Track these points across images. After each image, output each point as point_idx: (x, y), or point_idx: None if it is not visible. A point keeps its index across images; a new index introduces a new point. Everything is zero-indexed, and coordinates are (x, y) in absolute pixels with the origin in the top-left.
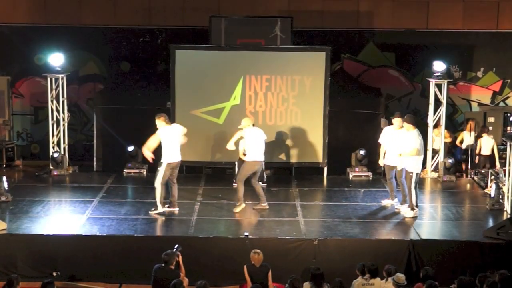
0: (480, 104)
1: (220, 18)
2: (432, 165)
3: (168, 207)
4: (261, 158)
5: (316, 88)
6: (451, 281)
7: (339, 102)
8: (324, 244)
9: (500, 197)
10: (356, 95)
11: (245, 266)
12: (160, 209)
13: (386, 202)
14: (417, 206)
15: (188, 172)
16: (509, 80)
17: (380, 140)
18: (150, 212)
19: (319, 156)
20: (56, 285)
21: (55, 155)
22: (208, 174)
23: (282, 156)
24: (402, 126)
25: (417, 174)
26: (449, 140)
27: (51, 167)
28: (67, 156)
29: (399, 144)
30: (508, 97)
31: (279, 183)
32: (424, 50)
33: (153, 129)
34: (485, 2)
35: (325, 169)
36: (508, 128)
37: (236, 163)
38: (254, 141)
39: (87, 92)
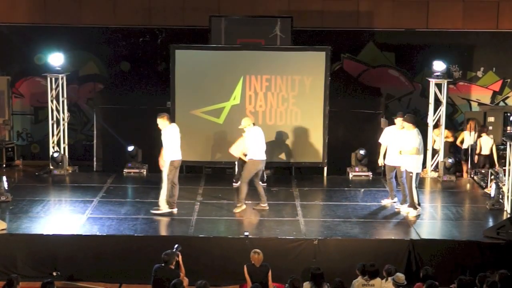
0: (480, 104)
1: (220, 18)
2: (432, 165)
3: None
4: (264, 157)
5: (316, 88)
6: (451, 281)
7: (339, 102)
8: (324, 244)
9: (500, 197)
10: (356, 95)
11: (245, 266)
12: (166, 209)
13: (386, 202)
14: (419, 204)
15: (188, 172)
16: (509, 80)
17: (380, 140)
18: (152, 211)
19: (319, 156)
20: (56, 285)
21: (55, 155)
22: (208, 174)
23: (282, 156)
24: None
25: (417, 174)
26: (451, 139)
27: (51, 167)
28: (67, 156)
29: (400, 144)
30: (508, 97)
31: (279, 183)
32: (424, 50)
33: (153, 129)
34: (485, 2)
35: (325, 169)
36: (508, 128)
37: (236, 163)
38: (256, 140)
39: (87, 92)
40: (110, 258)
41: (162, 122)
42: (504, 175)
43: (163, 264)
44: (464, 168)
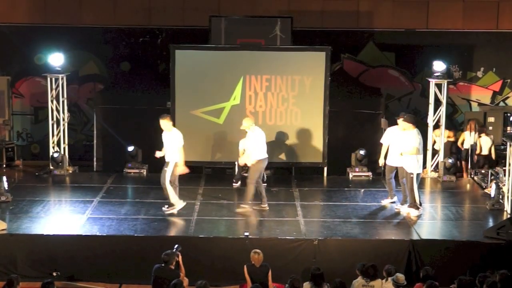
0: (480, 104)
1: (220, 18)
2: (432, 165)
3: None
4: (266, 155)
5: (316, 88)
6: (451, 281)
7: (339, 102)
8: (324, 244)
9: (500, 197)
10: (356, 95)
11: (245, 266)
12: (180, 204)
13: (386, 202)
14: (420, 204)
15: (188, 172)
16: (509, 80)
17: (382, 140)
18: (165, 211)
19: (319, 156)
20: (56, 285)
21: (55, 155)
22: (208, 174)
23: (282, 156)
24: None
25: (417, 174)
26: (452, 139)
27: (51, 167)
28: (67, 156)
29: (401, 144)
30: (508, 97)
31: (279, 183)
32: (424, 50)
33: (153, 129)
34: (485, 2)
35: (325, 169)
36: (508, 128)
37: (236, 163)
38: (258, 140)
39: (87, 92)
40: (110, 258)
41: (166, 124)
42: (504, 175)
43: (163, 264)
44: (464, 168)
